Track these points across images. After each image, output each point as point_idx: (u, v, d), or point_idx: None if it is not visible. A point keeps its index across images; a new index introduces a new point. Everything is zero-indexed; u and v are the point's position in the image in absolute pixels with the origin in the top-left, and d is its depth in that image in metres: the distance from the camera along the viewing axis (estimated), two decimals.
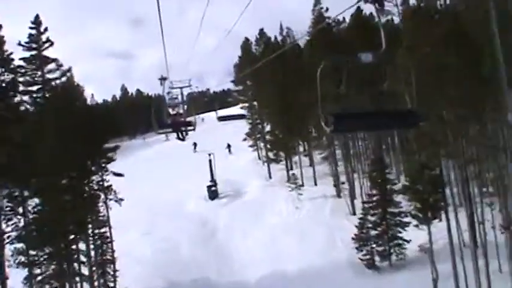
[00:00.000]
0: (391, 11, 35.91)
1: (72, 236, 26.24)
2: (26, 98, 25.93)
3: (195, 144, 71.34)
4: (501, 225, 24.81)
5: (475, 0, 25.14)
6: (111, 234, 31.00)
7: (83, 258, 27.41)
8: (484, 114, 24.70)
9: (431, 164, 24.39)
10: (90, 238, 29.21)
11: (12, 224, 24.40)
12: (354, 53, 6.09)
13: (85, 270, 27.68)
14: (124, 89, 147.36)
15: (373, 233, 30.04)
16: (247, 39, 64.44)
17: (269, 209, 44.03)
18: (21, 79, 25.95)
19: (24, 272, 24.53)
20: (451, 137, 23.72)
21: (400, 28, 32.17)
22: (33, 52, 26.06)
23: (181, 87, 22.53)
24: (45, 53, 26.12)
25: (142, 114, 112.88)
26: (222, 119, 26.64)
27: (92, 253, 29.27)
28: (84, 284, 27.77)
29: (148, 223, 42.91)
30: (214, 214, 45.36)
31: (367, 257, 29.96)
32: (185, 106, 25.02)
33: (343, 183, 42.79)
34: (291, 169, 53.79)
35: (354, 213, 39.25)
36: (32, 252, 23.94)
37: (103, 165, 31.28)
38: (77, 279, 26.57)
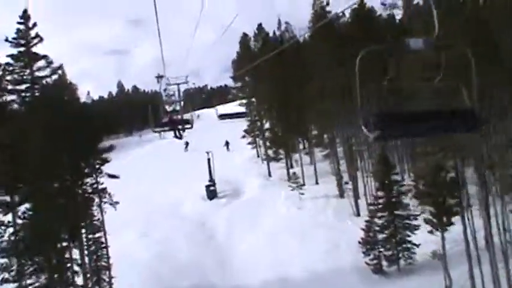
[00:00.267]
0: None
1: (64, 244, 24.83)
2: (13, 97, 24.47)
3: (186, 144, 69.75)
4: None
5: None
6: (106, 239, 29.59)
7: (76, 268, 25.91)
8: None
9: (446, 166, 22.96)
10: (84, 244, 27.76)
11: None
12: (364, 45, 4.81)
13: (79, 280, 26.23)
14: (120, 86, 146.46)
15: (380, 236, 28.70)
16: (245, 35, 63.06)
17: (269, 209, 42.70)
18: (8, 77, 24.49)
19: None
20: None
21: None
22: (21, 49, 24.51)
23: (178, 84, 21.91)
24: (34, 49, 24.58)
25: (138, 111, 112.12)
26: (223, 117, 25.24)
27: (86, 259, 27.83)
28: None
29: (144, 225, 41.54)
30: (213, 215, 44.01)
31: (374, 261, 28.63)
32: (182, 103, 24.82)
33: (346, 183, 41.41)
34: (291, 167, 52.50)
35: (358, 214, 38.01)
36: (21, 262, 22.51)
37: (97, 166, 29.81)
38: None
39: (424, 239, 27.43)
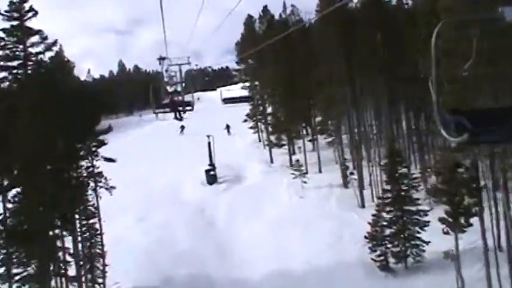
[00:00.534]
0: None
1: (56, 231, 23.55)
2: (5, 74, 22.93)
3: (182, 127, 68.44)
4: None
5: None
6: (100, 226, 28.32)
7: (68, 258, 24.63)
8: None
9: (464, 162, 21.51)
10: (78, 231, 26.47)
11: None
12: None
13: (71, 269, 24.98)
14: (121, 65, 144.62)
15: (387, 231, 27.37)
16: (250, 16, 61.25)
17: (271, 197, 41.39)
18: (0, 53, 22.98)
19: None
20: None
21: None
22: (15, 22, 22.90)
23: (179, 64, 21.73)
24: (28, 23, 22.96)
25: (139, 91, 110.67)
26: (227, 101, 23.96)
27: (80, 246, 26.56)
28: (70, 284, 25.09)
29: (141, 209, 40.36)
30: (213, 200, 42.72)
31: (381, 257, 27.35)
32: (183, 84, 24.17)
33: (351, 173, 40.01)
34: (293, 154, 51.09)
35: (363, 206, 36.77)
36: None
37: (93, 149, 28.41)
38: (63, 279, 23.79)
39: (433, 236, 26.22)
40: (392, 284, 26.46)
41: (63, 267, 23.75)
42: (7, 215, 21.80)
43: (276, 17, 61.56)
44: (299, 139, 50.89)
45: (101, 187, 28.44)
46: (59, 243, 24.20)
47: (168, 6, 13.01)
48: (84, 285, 26.24)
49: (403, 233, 26.94)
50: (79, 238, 26.59)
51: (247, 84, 60.31)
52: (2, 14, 22.70)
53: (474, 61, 3.95)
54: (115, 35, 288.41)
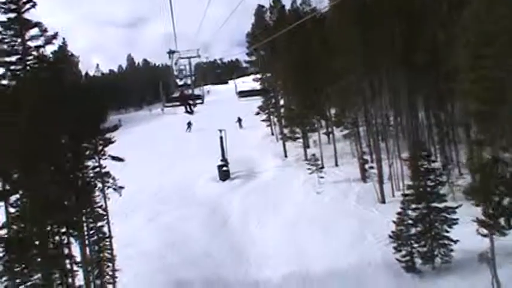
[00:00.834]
0: None
1: (63, 237, 22.12)
2: (2, 70, 21.43)
3: (189, 124, 67.56)
4: None
5: None
6: (109, 228, 26.86)
7: (75, 267, 23.20)
8: None
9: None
10: (85, 234, 25.04)
11: None
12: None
13: (78, 277, 23.56)
14: (130, 59, 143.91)
15: (413, 230, 25.61)
16: (261, 6, 59.43)
17: (287, 193, 39.81)
18: None
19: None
20: None
21: None
22: (12, 15, 21.37)
23: (189, 57, 21.47)
24: (26, 15, 21.39)
25: (149, 85, 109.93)
26: (242, 95, 22.67)
27: (87, 250, 25.13)
28: None
29: (152, 209, 39.08)
30: (226, 198, 41.16)
31: (407, 258, 25.62)
32: (193, 77, 23.43)
33: (371, 167, 38.24)
34: (308, 147, 49.40)
35: (383, 201, 35.06)
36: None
37: (100, 148, 26.92)
38: None
39: (461, 234, 24.50)
40: (420, 286, 24.76)
41: (70, 275, 22.26)
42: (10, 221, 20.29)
43: (288, 6, 59.82)
44: (314, 132, 49.11)
45: (108, 187, 26.95)
46: (65, 250, 22.68)
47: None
48: None
49: (430, 231, 25.18)
50: (86, 242, 25.13)
51: (258, 76, 58.76)
52: None
53: None
54: (123, 29, 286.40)
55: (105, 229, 26.64)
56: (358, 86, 38.26)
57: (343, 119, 45.49)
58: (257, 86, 55.82)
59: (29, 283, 19.92)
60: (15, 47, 21.30)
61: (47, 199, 20.33)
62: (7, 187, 20.46)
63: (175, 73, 23.84)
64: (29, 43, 21.49)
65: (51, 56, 24.05)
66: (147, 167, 49.61)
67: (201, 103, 22.08)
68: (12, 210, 20.79)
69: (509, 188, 19.53)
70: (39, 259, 19.98)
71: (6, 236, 19.55)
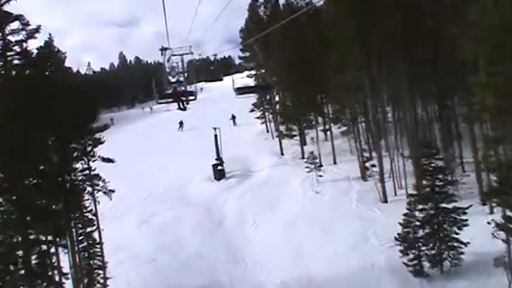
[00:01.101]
0: None
1: (47, 246, 20.69)
2: None
3: (180, 123, 66.50)
4: None
5: None
6: (100, 234, 25.45)
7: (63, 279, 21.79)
8: None
9: None
10: (74, 241, 23.63)
11: None
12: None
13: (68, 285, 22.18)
14: (122, 57, 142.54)
15: (420, 232, 24.33)
16: (255, 1, 58.09)
17: (284, 192, 38.45)
18: None
19: None
20: None
21: None
22: None
23: (181, 55, 20.91)
24: (6, 8, 19.91)
25: (141, 82, 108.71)
26: (240, 91, 21.49)
27: (77, 259, 23.71)
28: None
29: (144, 211, 37.62)
30: (222, 198, 39.79)
31: (414, 261, 24.33)
32: (186, 74, 22.55)
33: (373, 165, 36.91)
34: (305, 144, 48.09)
35: (386, 201, 33.79)
36: None
37: (89, 149, 25.51)
38: None
39: (469, 236, 23.30)
40: None
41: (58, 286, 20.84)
42: None
43: (282, 1, 58.46)
44: (311, 129, 47.80)
45: (98, 191, 25.53)
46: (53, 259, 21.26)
47: None
48: None
49: (438, 233, 23.91)
50: (76, 249, 23.71)
51: (252, 72, 57.44)
52: None
53: None
54: (115, 28, 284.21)
55: (96, 235, 25.19)
56: (356, 80, 36.93)
57: (341, 115, 44.15)
58: (251, 82, 54.39)
59: None
60: None
61: (31, 205, 18.83)
62: None
63: (168, 70, 23.08)
64: (10, 37, 19.96)
65: (35, 51, 22.60)
66: (140, 166, 48.17)
67: (194, 99, 21.28)
68: None
69: None
70: (22, 272, 18.49)
71: None
